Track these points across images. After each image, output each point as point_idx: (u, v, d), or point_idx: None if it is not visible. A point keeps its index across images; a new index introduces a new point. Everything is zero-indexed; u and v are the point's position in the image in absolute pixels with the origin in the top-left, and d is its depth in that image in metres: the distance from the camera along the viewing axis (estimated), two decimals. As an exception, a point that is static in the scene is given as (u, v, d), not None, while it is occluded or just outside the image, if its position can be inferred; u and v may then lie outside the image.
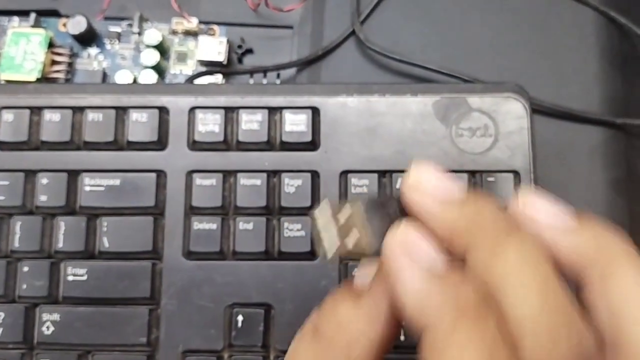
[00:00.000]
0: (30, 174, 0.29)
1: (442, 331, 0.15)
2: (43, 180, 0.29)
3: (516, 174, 0.29)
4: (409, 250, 0.17)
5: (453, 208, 0.17)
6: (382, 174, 0.29)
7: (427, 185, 0.18)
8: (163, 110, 0.30)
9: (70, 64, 0.35)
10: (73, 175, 0.29)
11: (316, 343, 0.18)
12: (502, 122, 0.29)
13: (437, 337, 0.15)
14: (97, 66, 0.36)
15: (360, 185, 0.29)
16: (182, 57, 0.36)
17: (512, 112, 0.29)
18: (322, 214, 0.19)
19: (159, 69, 0.35)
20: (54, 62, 0.35)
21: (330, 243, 0.18)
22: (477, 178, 0.29)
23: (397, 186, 0.29)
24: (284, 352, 0.28)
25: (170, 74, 0.36)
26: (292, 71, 0.36)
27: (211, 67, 0.35)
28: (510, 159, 0.29)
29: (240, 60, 0.36)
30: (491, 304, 0.15)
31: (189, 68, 0.35)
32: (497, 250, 0.16)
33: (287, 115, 0.29)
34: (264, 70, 0.35)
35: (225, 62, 0.35)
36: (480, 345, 0.14)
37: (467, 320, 0.15)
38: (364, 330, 0.18)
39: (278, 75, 0.36)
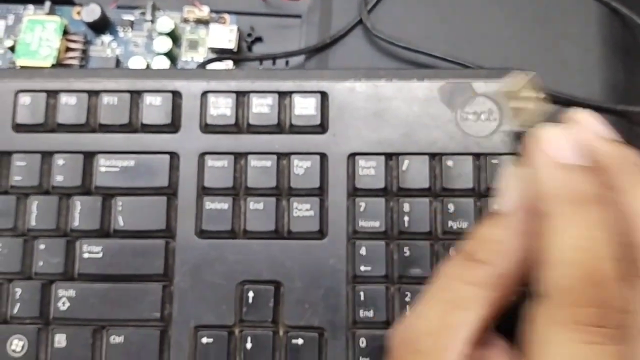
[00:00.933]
0: (46, 155, 0.30)
1: (567, 212, 0.18)
2: (59, 161, 0.30)
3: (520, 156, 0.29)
4: (557, 142, 0.19)
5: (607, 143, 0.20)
6: (389, 156, 0.30)
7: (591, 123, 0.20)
8: (176, 94, 0.31)
9: (84, 51, 0.36)
10: (88, 156, 0.30)
11: (468, 262, 0.20)
12: (506, 106, 0.30)
13: (560, 218, 0.18)
14: (111, 53, 0.36)
15: (368, 167, 0.30)
16: (194, 45, 0.37)
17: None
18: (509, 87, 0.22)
19: (170, 56, 0.36)
20: (68, 49, 0.36)
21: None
22: (481, 160, 0.29)
23: (404, 168, 0.29)
24: (293, 327, 0.28)
25: (181, 61, 0.36)
26: (300, 59, 0.37)
27: (222, 54, 0.36)
28: (514, 142, 0.30)
29: (249, 49, 0.37)
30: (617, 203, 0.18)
31: (200, 55, 0.36)
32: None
33: (297, 99, 0.30)
34: (273, 58, 0.36)
35: (235, 50, 0.36)
36: (598, 226, 0.17)
37: (590, 206, 0.18)
38: (514, 245, 0.19)
39: (287, 63, 0.37)
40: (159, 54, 0.35)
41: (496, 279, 0.20)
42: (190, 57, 0.36)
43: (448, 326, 0.19)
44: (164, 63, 0.35)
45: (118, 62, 0.36)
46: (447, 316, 0.20)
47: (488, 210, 0.22)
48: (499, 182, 0.21)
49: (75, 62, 0.36)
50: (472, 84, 0.30)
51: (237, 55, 0.36)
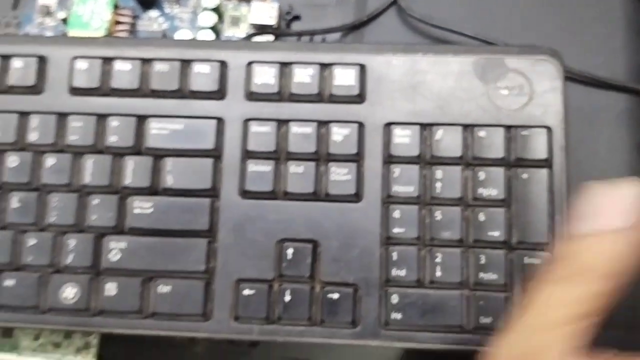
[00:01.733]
0: (101, 117, 0.32)
1: None
2: (113, 123, 0.32)
3: (549, 129, 0.31)
4: None
5: None
6: (423, 126, 0.31)
7: None
8: (223, 64, 0.32)
9: (132, 25, 0.38)
10: (141, 119, 0.32)
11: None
12: (537, 82, 0.32)
13: None
14: (157, 28, 0.38)
15: (403, 136, 0.31)
16: (236, 21, 0.38)
17: (546, 73, 0.32)
18: None
19: (214, 31, 0.38)
20: (117, 23, 0.38)
21: None
22: (512, 132, 0.31)
23: (437, 138, 0.31)
24: (329, 283, 0.30)
25: (223, 37, 0.38)
26: (336, 36, 0.38)
27: (262, 30, 0.38)
28: (544, 116, 0.31)
29: (288, 27, 0.39)
30: None
31: (242, 31, 0.38)
32: None
33: (337, 71, 0.32)
34: (311, 34, 0.38)
35: (275, 26, 0.38)
36: None
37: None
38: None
39: (323, 40, 0.38)
40: (203, 28, 0.37)
41: (594, 296, 0.21)
42: (232, 33, 0.38)
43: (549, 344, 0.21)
44: (209, 36, 0.37)
45: (164, 37, 0.38)
46: (546, 334, 0.21)
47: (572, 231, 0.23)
48: (585, 202, 0.22)
49: (124, 35, 0.38)
50: (504, 60, 0.32)
51: (277, 32, 0.38)
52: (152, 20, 0.39)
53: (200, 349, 0.38)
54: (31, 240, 0.31)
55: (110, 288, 0.31)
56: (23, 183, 0.32)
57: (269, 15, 0.38)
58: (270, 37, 0.37)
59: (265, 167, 0.31)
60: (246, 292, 0.30)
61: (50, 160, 0.32)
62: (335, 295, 0.30)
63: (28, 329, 0.36)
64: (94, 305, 0.31)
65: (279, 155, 0.31)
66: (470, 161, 0.31)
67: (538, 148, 0.31)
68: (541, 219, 0.30)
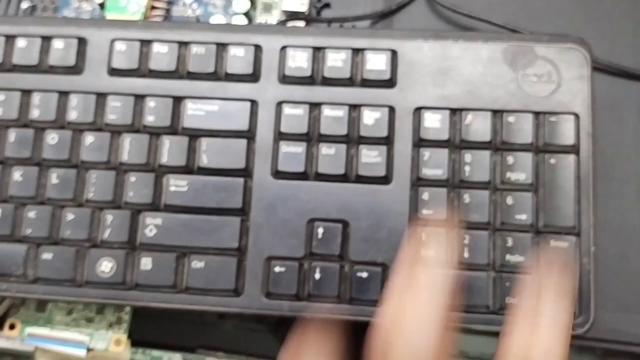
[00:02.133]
0: (139, 98, 0.33)
1: None
2: (151, 103, 0.33)
3: (576, 116, 0.32)
4: None
5: None
6: (453, 111, 0.32)
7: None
8: (258, 48, 0.33)
9: (167, 10, 0.39)
10: (177, 100, 0.33)
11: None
12: (565, 69, 0.32)
13: None
14: (191, 13, 0.39)
15: (433, 120, 0.32)
16: (268, 8, 0.39)
17: (574, 61, 0.32)
18: None
19: (247, 17, 0.38)
20: (153, 8, 0.39)
21: None
22: (540, 119, 0.32)
23: (467, 123, 0.32)
24: (358, 262, 0.31)
25: (256, 22, 0.39)
26: (365, 24, 0.39)
27: (294, 17, 0.39)
28: (571, 103, 0.32)
29: (318, 14, 0.40)
30: None
31: (274, 18, 0.39)
32: None
33: (369, 56, 0.33)
34: (341, 21, 0.38)
35: (307, 13, 0.38)
36: None
37: None
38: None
39: (353, 27, 0.39)
40: (237, 14, 0.38)
41: None
42: (264, 19, 0.39)
43: None
44: (242, 21, 0.38)
45: (198, 22, 0.39)
46: None
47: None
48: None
49: (159, 20, 0.39)
50: (533, 48, 0.32)
51: (308, 18, 0.39)
52: (186, 6, 0.40)
53: (228, 326, 0.39)
54: (69, 216, 0.32)
55: (146, 263, 0.32)
56: (62, 160, 0.33)
57: (300, 2, 0.38)
58: (301, 24, 0.38)
59: (297, 149, 0.32)
60: (277, 269, 0.31)
61: (89, 139, 0.33)
62: (364, 274, 0.31)
63: (62, 304, 0.37)
64: (129, 279, 0.32)
65: (311, 137, 0.32)
66: (499, 146, 0.31)
67: (566, 134, 0.31)
68: (568, 203, 0.31)
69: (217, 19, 0.38)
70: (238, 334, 0.39)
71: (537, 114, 0.32)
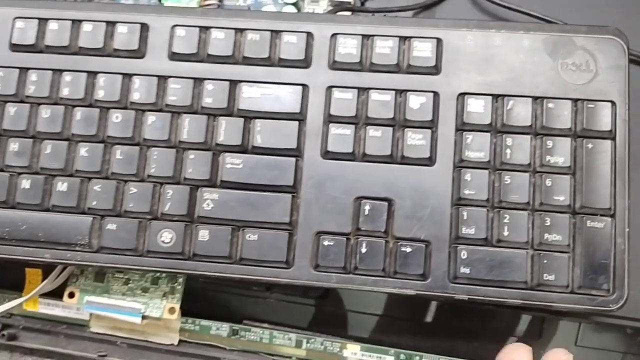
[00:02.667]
0: (197, 81, 0.35)
1: None
2: (208, 86, 0.35)
3: (613, 103, 0.33)
4: None
5: None
6: (495, 97, 0.34)
7: None
8: (309, 35, 0.35)
9: (220, 0, 0.41)
10: (233, 84, 0.35)
11: None
12: (602, 59, 0.34)
13: None
14: (243, 3, 0.41)
15: (475, 105, 0.34)
16: (315, -2, 0.41)
17: (612, 51, 0.34)
18: None
19: (296, 7, 0.40)
20: (207, -4, 0.41)
21: None
22: (578, 105, 0.33)
23: (508, 108, 0.33)
24: (402, 238, 0.33)
25: (304, 12, 0.41)
26: (408, 14, 0.41)
27: (340, 7, 0.40)
28: (608, 91, 0.33)
29: (362, 4, 0.42)
30: None
31: (321, 7, 0.41)
32: None
33: (415, 43, 0.34)
34: (386, 12, 0.40)
35: (352, 3, 0.40)
36: None
37: None
38: None
39: (396, 16, 0.41)
40: (287, 4, 0.40)
41: None
42: (312, 9, 0.41)
43: None
44: (292, 10, 0.40)
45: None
46: None
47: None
48: None
49: (213, 6, 0.41)
50: (573, 38, 0.34)
51: (354, 8, 0.40)
52: (238, -4, 0.42)
53: (273, 299, 0.41)
54: (132, 190, 0.34)
55: (203, 235, 0.34)
56: (126, 138, 0.35)
57: (346, -7, 0.40)
58: (347, 13, 0.40)
59: (345, 131, 0.34)
60: (325, 243, 0.33)
61: (150, 118, 0.35)
62: (408, 250, 0.33)
63: (119, 275, 0.39)
64: (187, 249, 0.34)
65: (359, 120, 0.34)
66: (538, 130, 0.33)
67: (603, 120, 0.33)
68: (604, 186, 0.32)
69: (268, 8, 0.40)
70: (282, 307, 0.41)
71: (575, 100, 0.33)
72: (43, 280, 0.40)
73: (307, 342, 0.39)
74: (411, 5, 0.40)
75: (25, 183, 0.35)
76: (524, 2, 0.39)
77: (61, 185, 0.35)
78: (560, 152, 0.33)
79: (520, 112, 0.33)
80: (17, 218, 0.35)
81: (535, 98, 0.33)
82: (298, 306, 0.41)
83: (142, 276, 0.39)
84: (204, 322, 0.40)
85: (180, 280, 0.39)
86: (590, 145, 0.33)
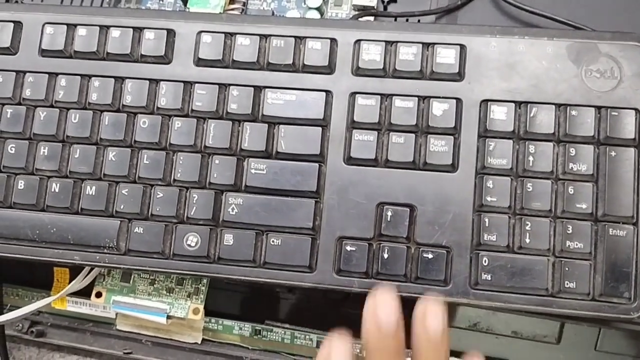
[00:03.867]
0: (222, 87, 0.36)
1: None
2: (234, 92, 0.36)
3: (637, 111, 0.33)
4: None
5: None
6: (518, 104, 0.34)
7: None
8: (333, 41, 0.35)
9: (244, 4, 0.42)
10: (258, 90, 0.35)
11: None
12: (627, 66, 0.34)
13: None
14: (267, 7, 0.42)
15: (499, 112, 0.34)
16: (339, 2, 0.41)
17: (637, 58, 0.34)
18: None
19: (319, 11, 0.41)
20: (232, 1, 0.42)
21: None
22: (602, 113, 0.33)
23: (532, 115, 0.33)
24: (424, 244, 0.33)
25: (327, 16, 0.41)
26: (431, 18, 0.41)
27: (363, 11, 0.41)
28: (633, 98, 0.33)
29: (385, 9, 0.42)
30: None
31: (343, 12, 0.41)
32: None
33: (438, 50, 0.35)
34: (408, 16, 0.40)
35: (375, 7, 0.40)
36: None
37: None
38: None
39: (418, 21, 0.41)
40: (310, 8, 0.40)
41: None
42: (335, 13, 0.41)
43: None
44: (315, 16, 0.40)
45: (273, 15, 0.42)
46: None
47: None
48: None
49: (237, 12, 0.41)
50: (597, 45, 0.34)
51: (376, 13, 0.41)
52: (262, 0, 0.42)
53: (294, 301, 0.42)
54: (159, 194, 0.35)
55: (228, 239, 0.34)
56: (153, 143, 0.36)
57: (369, -3, 0.40)
58: (370, 18, 0.40)
59: (368, 137, 0.34)
60: (348, 248, 0.34)
61: (177, 124, 0.36)
62: (430, 255, 0.33)
63: (145, 275, 0.40)
64: (212, 253, 0.35)
65: (382, 127, 0.34)
66: (561, 138, 0.33)
67: (626, 128, 0.33)
68: (627, 194, 0.32)
69: (292, 13, 0.41)
70: (304, 309, 0.42)
71: (599, 108, 0.33)
72: (71, 278, 0.41)
73: (328, 343, 0.40)
74: (434, 10, 0.41)
75: (55, 186, 0.36)
76: (547, 7, 0.39)
77: (90, 189, 0.36)
78: (583, 160, 0.33)
79: (544, 120, 0.33)
80: (47, 221, 0.36)
81: (558, 105, 0.33)
82: (319, 308, 0.41)
83: (167, 277, 0.40)
84: (227, 322, 0.41)
85: (205, 281, 0.39)
86: (613, 153, 0.33)
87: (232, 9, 0.41)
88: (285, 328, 0.41)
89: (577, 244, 0.32)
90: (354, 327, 0.41)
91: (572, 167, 0.33)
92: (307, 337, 0.40)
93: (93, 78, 0.37)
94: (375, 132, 0.34)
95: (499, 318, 0.40)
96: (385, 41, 0.35)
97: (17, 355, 0.45)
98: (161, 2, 0.43)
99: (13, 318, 0.40)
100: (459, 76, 0.34)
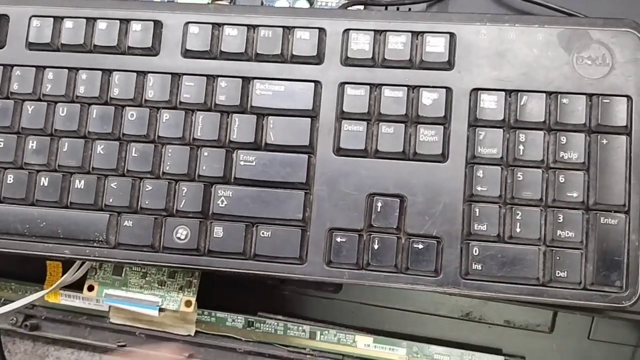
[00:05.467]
0: (210, 78, 0.35)
1: None
2: (222, 83, 0.35)
3: (629, 98, 0.33)
4: None
5: None
6: (508, 92, 0.33)
7: None
8: (322, 31, 0.35)
9: (232, -6, 0.41)
10: (246, 81, 0.35)
11: None
12: (619, 53, 0.33)
13: None
14: (256, -3, 0.41)
15: (489, 101, 0.33)
16: (328, -9, 0.41)
17: (629, 45, 0.33)
18: None
19: (308, 1, 0.40)
20: (219, -9, 0.41)
21: None
22: (593, 100, 0.33)
23: (522, 104, 0.33)
24: (414, 235, 0.33)
25: (316, 6, 0.41)
26: (422, 7, 0.40)
27: (353, 0, 0.40)
28: (624, 85, 0.33)
29: (375, -3, 0.41)
30: None
31: (333, 0, 0.41)
32: None
33: (428, 39, 0.34)
34: (399, 4, 0.40)
35: (365, -4, 0.40)
36: None
37: None
38: None
39: (409, 10, 0.40)
40: (299, -2, 0.40)
41: None
42: (325, 2, 0.41)
43: None
44: (304, 5, 0.40)
45: (262, 5, 0.41)
46: None
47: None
48: None
49: (225, 3, 0.41)
50: (588, 31, 0.33)
51: (366, 2, 0.40)
52: (250, -10, 0.42)
53: (288, 292, 0.42)
54: (148, 187, 0.35)
55: (218, 231, 0.34)
56: (141, 135, 0.35)
57: (359, -14, 0.40)
58: (360, 7, 0.40)
59: (358, 127, 0.34)
60: (338, 239, 0.33)
61: (165, 116, 0.35)
62: (420, 246, 0.33)
63: (136, 269, 0.40)
64: (202, 245, 0.34)
65: (371, 117, 0.34)
66: (552, 126, 0.33)
67: (618, 116, 0.33)
68: (618, 182, 0.32)
69: (281, 2, 0.40)
70: (296, 300, 0.42)
71: (590, 95, 0.33)
72: (63, 272, 0.41)
73: (321, 334, 0.40)
74: (425, -2, 0.40)
75: (43, 180, 0.36)
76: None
77: (79, 183, 0.35)
78: (574, 148, 0.32)
79: (534, 108, 0.33)
80: (36, 215, 0.36)
81: (549, 93, 0.33)
82: (311, 299, 0.41)
83: (159, 270, 0.40)
84: (220, 314, 0.41)
85: (197, 273, 0.39)
86: (604, 141, 0.32)
87: (221, 0, 0.41)
88: (278, 320, 0.41)
89: (568, 233, 0.32)
90: (346, 317, 0.41)
91: (563, 156, 0.32)
92: (300, 328, 0.40)
93: (80, 71, 0.36)
94: (365, 123, 0.34)
95: (492, 307, 0.40)
96: (375, 30, 0.35)
97: (12, 349, 0.46)
98: (150, -7, 0.42)
99: (7, 311, 0.40)
100: (448, 65, 0.34)
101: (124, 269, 0.40)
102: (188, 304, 0.39)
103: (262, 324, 0.41)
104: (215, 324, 0.41)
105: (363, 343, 0.40)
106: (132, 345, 0.42)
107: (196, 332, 0.41)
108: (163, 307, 0.39)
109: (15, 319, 0.44)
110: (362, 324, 0.41)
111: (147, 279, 0.40)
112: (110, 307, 0.42)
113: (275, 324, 0.40)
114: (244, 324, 0.41)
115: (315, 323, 0.40)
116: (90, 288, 0.40)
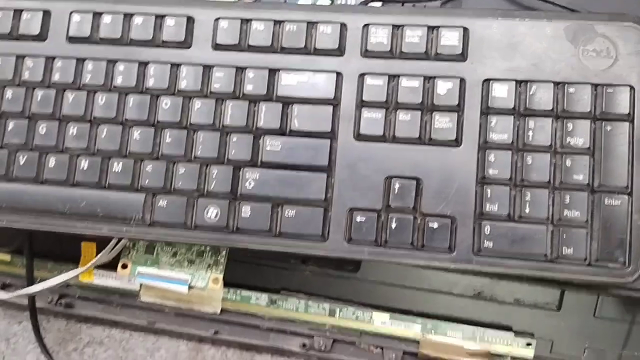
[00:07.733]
0: (239, 70, 0.38)
1: None
2: (249, 74, 0.38)
3: (631, 88, 0.35)
4: None
5: None
6: (518, 83, 0.36)
7: None
8: (343, 26, 0.38)
9: (258, -9, 0.44)
10: (272, 72, 0.38)
11: None
12: (622, 46, 0.35)
13: None
14: (279, -6, 0.44)
15: (500, 90, 0.36)
16: (348, -11, 0.43)
17: (632, 38, 0.35)
18: None
19: (329, -2, 0.43)
20: (246, -11, 0.44)
21: None
22: (598, 90, 0.35)
23: (531, 93, 0.35)
24: (430, 214, 0.35)
25: (337, 2, 0.43)
26: (436, 4, 0.43)
27: (371, -3, 0.43)
28: (627, 76, 0.35)
29: (392, -6, 0.44)
30: None
31: (353, -2, 0.43)
32: None
33: (443, 32, 0.37)
34: (415, 1, 0.42)
35: (383, -7, 0.42)
36: None
37: None
38: None
39: (424, 7, 0.43)
40: (321, -5, 0.43)
41: None
42: (344, 0, 0.43)
43: None
44: (325, 2, 0.43)
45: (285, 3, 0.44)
46: None
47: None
48: None
49: (251, 0, 0.43)
50: (594, 26, 0.36)
51: (384, -1, 0.43)
52: (274, -12, 0.44)
53: (308, 272, 0.44)
54: (181, 169, 0.38)
55: (246, 210, 0.37)
56: (174, 122, 0.38)
57: (377, -16, 0.42)
58: (378, 4, 0.42)
59: (377, 115, 0.37)
60: (358, 219, 0.36)
61: (197, 104, 0.38)
62: (435, 225, 0.35)
63: (167, 248, 0.43)
64: (231, 224, 0.37)
65: (389, 105, 0.37)
66: (559, 114, 0.35)
67: (621, 104, 0.35)
68: (621, 166, 0.34)
69: (304, 1, 0.43)
70: (317, 279, 0.44)
71: (595, 85, 0.35)
72: (97, 253, 0.44)
73: (340, 312, 0.42)
74: (439, -5, 0.42)
75: (84, 164, 0.38)
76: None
77: (117, 166, 0.38)
78: (580, 134, 0.35)
79: (543, 97, 0.35)
80: (77, 195, 0.38)
81: (556, 83, 0.35)
82: (331, 278, 0.44)
83: (188, 249, 0.42)
84: (245, 293, 0.44)
85: (224, 253, 0.42)
86: (608, 128, 0.35)
87: (248, -3, 0.43)
88: (300, 298, 0.43)
89: (574, 213, 0.34)
90: (364, 296, 0.43)
91: (569, 141, 0.35)
92: (320, 306, 0.43)
93: (118, 62, 0.39)
94: (383, 110, 0.37)
95: (502, 287, 0.42)
96: (392, 25, 0.37)
97: (47, 327, 0.48)
98: (180, -9, 0.45)
99: (43, 289, 0.43)
100: (462, 57, 0.36)
101: (155, 249, 0.43)
102: (215, 281, 0.42)
103: (284, 302, 0.43)
104: (240, 302, 0.44)
105: (380, 320, 0.42)
106: (161, 322, 0.45)
107: (222, 309, 0.43)
108: (192, 284, 0.42)
109: (51, 297, 0.46)
110: (379, 302, 0.43)
111: (177, 258, 0.42)
112: (141, 285, 0.44)
113: (297, 301, 0.43)
114: (267, 302, 0.43)
115: (334, 301, 0.43)
116: (124, 266, 0.43)
